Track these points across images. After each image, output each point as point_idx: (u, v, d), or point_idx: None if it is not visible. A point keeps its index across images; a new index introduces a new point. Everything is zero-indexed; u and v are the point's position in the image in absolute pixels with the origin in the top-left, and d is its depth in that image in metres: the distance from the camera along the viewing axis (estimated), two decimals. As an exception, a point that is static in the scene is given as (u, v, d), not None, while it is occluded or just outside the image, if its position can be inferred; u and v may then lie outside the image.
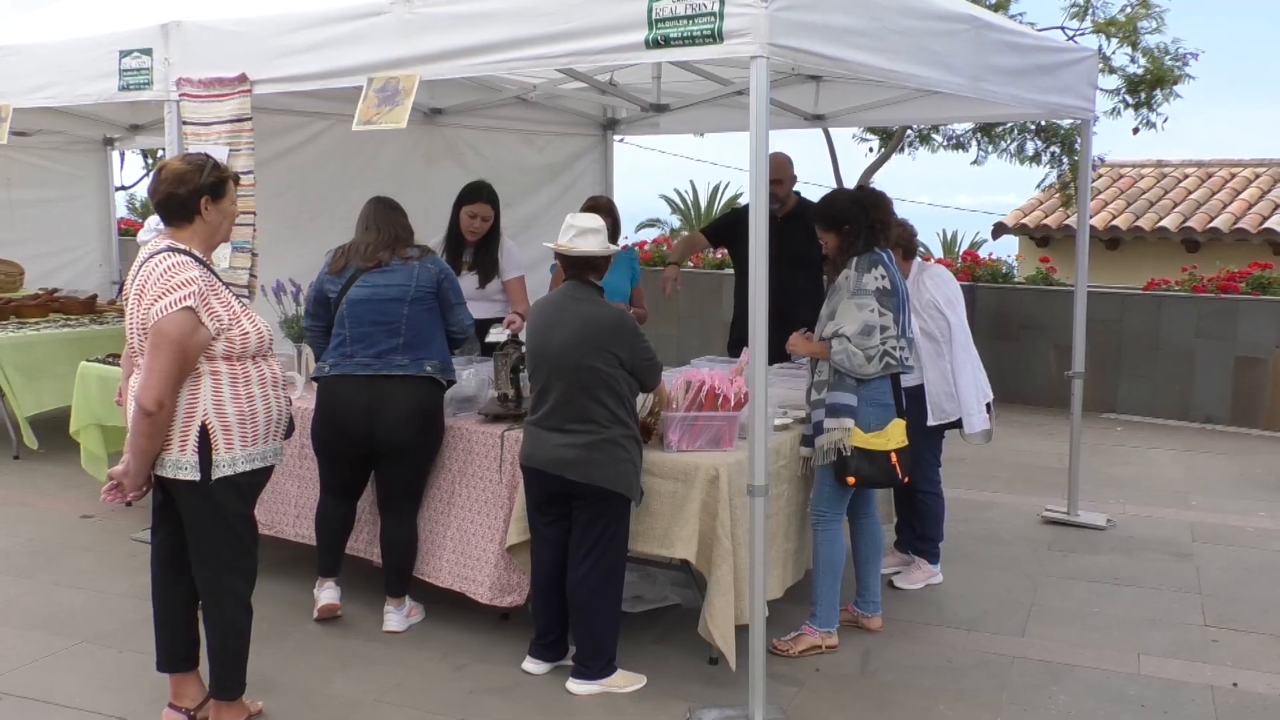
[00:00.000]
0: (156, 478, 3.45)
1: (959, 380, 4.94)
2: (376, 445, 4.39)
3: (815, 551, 4.40)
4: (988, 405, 5.06)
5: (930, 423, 4.94)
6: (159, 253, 3.40)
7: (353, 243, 4.54)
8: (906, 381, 4.59)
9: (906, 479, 4.38)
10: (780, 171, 5.90)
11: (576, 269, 4.03)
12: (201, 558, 3.51)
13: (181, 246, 3.43)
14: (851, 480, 4.22)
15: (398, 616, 4.54)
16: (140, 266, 3.42)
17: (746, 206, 5.88)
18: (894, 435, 4.25)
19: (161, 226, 4.67)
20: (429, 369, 4.40)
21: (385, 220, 4.52)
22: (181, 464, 3.36)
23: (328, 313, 4.53)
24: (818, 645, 4.36)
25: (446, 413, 4.60)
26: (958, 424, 5.01)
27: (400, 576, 4.55)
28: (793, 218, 5.76)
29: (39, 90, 5.61)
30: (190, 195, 3.43)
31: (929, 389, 4.93)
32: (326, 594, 4.58)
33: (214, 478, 3.38)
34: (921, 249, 5.32)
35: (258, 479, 3.53)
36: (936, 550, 5.20)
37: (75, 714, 3.86)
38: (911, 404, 4.68)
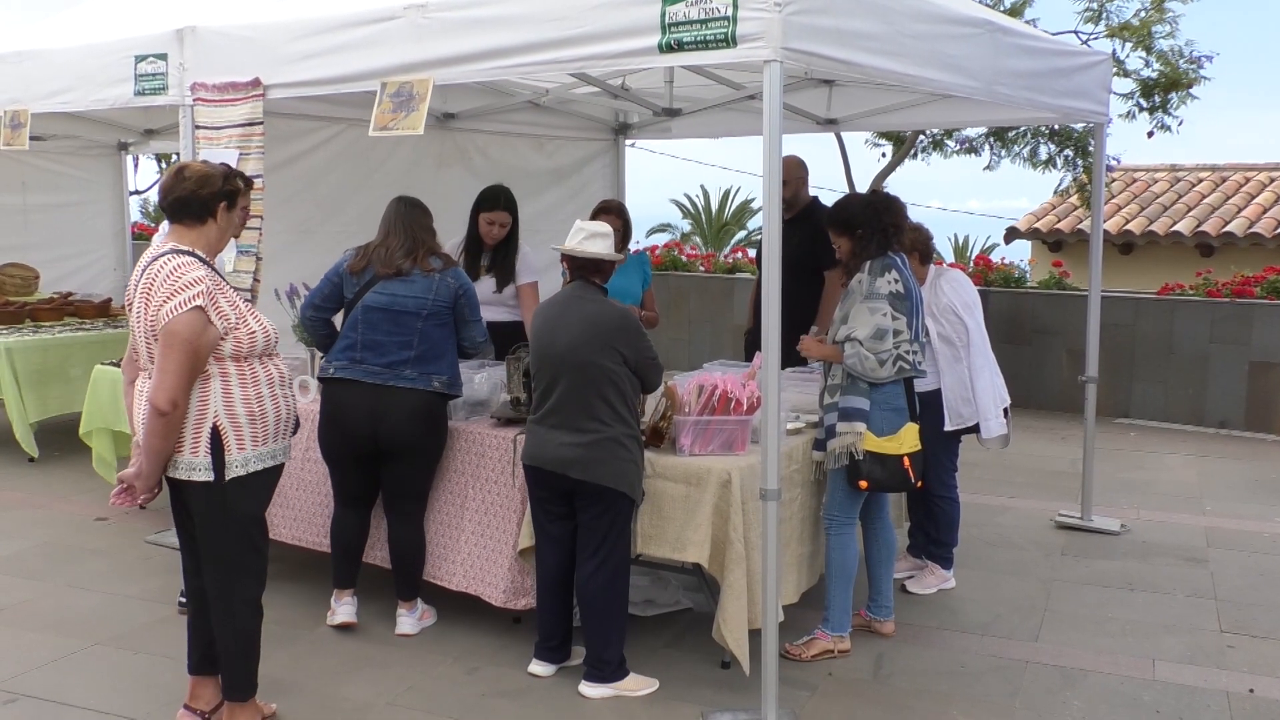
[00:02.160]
0: (169, 480, 3.47)
1: (976, 385, 4.92)
2: (381, 445, 4.38)
3: (828, 556, 4.39)
4: (1005, 410, 5.05)
5: (947, 428, 4.92)
6: (163, 255, 3.41)
7: (374, 244, 4.48)
8: (923, 386, 4.58)
9: (919, 483, 4.37)
10: (787, 174, 5.86)
11: (583, 271, 4.05)
12: (213, 559, 3.51)
13: (185, 248, 3.44)
14: (864, 484, 4.21)
15: (410, 619, 4.55)
16: (144, 270, 3.42)
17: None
18: (907, 439, 4.24)
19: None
20: (436, 384, 4.38)
21: (408, 223, 4.46)
22: (195, 465, 3.37)
23: (337, 306, 4.51)
24: (830, 650, 4.35)
25: (458, 417, 4.61)
26: (975, 429, 4.99)
27: (409, 579, 4.55)
28: (797, 221, 5.72)
29: (55, 95, 5.66)
30: (211, 197, 3.48)
31: (946, 394, 4.91)
32: (344, 610, 4.56)
33: (228, 478, 3.39)
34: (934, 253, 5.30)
35: (269, 478, 3.54)
36: (950, 555, 5.18)
37: (89, 715, 3.87)
38: (928, 409, 4.67)
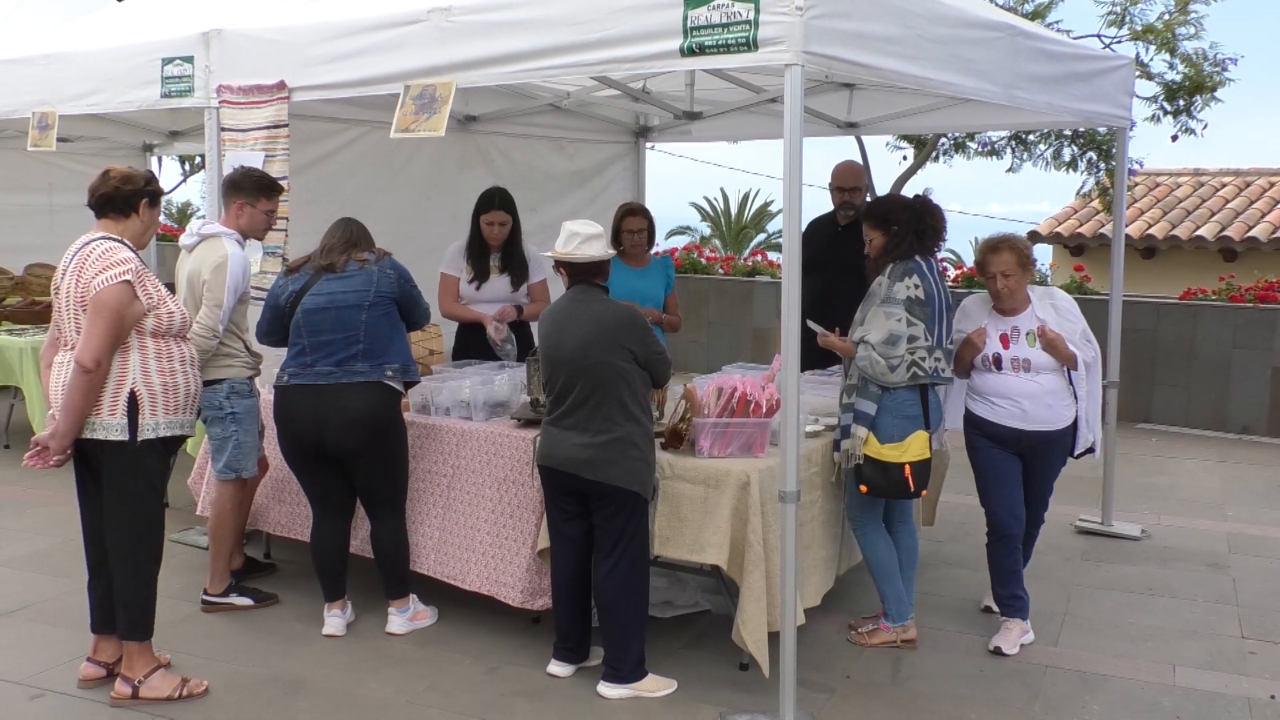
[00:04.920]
0: (81, 444, 3.78)
1: (1093, 408, 4.65)
2: (329, 451, 4.40)
3: (863, 555, 4.45)
4: None
5: (1075, 452, 4.66)
6: (94, 239, 3.80)
7: (315, 250, 4.53)
8: (1067, 418, 4.45)
9: (924, 492, 4.32)
10: (856, 180, 5.87)
11: (582, 274, 4.07)
12: (119, 513, 3.84)
13: (115, 236, 3.83)
14: (864, 489, 4.23)
15: (400, 619, 4.57)
16: (75, 254, 3.78)
17: (816, 218, 5.88)
18: (913, 447, 4.21)
19: (203, 230, 4.78)
20: (389, 374, 4.39)
21: (348, 226, 4.52)
22: (111, 426, 3.75)
23: (282, 326, 4.49)
24: (893, 640, 4.42)
25: (478, 417, 4.63)
26: (1087, 451, 4.73)
27: (394, 578, 4.57)
28: (855, 227, 5.70)
29: (83, 97, 5.73)
30: (133, 194, 3.89)
31: (1079, 418, 4.63)
32: (331, 623, 4.56)
33: (140, 439, 3.77)
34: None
35: (173, 445, 3.94)
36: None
37: (114, 711, 3.91)
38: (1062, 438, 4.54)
